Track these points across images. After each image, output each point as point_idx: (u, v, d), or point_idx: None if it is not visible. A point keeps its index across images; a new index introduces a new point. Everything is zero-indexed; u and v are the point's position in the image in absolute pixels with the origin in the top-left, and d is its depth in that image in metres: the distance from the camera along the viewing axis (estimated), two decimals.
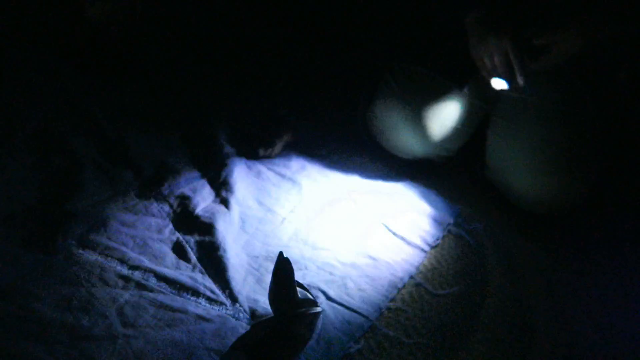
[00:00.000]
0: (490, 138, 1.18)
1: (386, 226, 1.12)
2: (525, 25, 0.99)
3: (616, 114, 1.15)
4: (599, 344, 0.94)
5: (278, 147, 1.31)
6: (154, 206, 1.11)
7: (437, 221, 1.15)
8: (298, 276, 0.91)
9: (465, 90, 1.17)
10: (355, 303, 0.95)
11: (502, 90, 1.08)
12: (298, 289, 0.87)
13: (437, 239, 1.11)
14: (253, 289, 0.96)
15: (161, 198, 1.13)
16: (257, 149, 1.29)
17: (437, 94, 1.18)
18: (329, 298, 0.95)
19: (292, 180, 1.23)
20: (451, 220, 1.15)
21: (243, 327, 0.90)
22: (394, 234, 1.11)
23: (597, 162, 1.11)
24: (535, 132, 1.10)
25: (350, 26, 1.52)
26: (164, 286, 0.95)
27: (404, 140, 1.22)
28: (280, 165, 1.28)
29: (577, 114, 1.09)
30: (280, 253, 0.85)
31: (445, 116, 1.18)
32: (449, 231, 1.13)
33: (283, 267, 0.83)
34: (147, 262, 0.98)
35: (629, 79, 1.11)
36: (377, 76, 1.27)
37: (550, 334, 0.95)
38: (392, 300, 0.97)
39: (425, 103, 1.18)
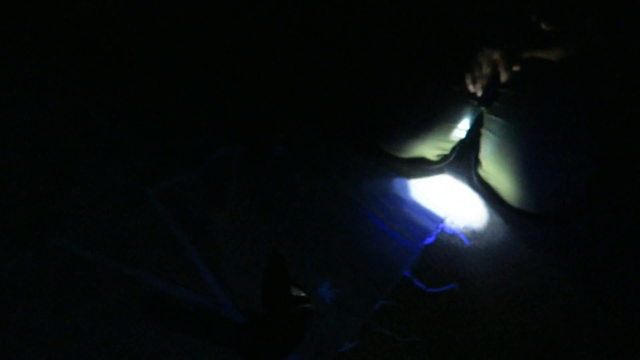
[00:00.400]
0: (484, 136, 1.18)
1: (381, 224, 1.12)
2: (525, 29, 0.99)
3: (611, 114, 1.15)
4: (598, 344, 0.95)
5: (275, 146, 1.31)
6: (151, 204, 1.11)
7: (431, 219, 1.15)
8: (292, 274, 0.91)
9: (459, 89, 1.17)
10: (349, 301, 0.95)
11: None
12: (292, 286, 0.86)
13: (432, 237, 1.11)
14: (248, 286, 0.96)
15: (158, 196, 1.13)
16: (254, 148, 1.29)
17: (432, 94, 1.18)
18: (322, 296, 0.95)
19: (288, 178, 1.23)
20: (445, 219, 1.16)
21: (237, 324, 0.90)
22: (389, 232, 1.11)
23: (592, 161, 1.11)
24: (528, 131, 1.10)
25: (348, 26, 1.51)
26: (159, 284, 0.94)
27: (400, 139, 1.22)
28: (277, 164, 1.28)
29: (572, 113, 1.10)
30: (275, 250, 0.85)
31: (440, 115, 1.18)
32: (443, 229, 1.14)
33: (277, 264, 0.83)
34: (143, 260, 0.98)
35: (624, 79, 1.12)
36: (373, 77, 1.27)
37: (545, 333, 0.96)
38: (386, 298, 0.97)
39: (420, 102, 1.18)
